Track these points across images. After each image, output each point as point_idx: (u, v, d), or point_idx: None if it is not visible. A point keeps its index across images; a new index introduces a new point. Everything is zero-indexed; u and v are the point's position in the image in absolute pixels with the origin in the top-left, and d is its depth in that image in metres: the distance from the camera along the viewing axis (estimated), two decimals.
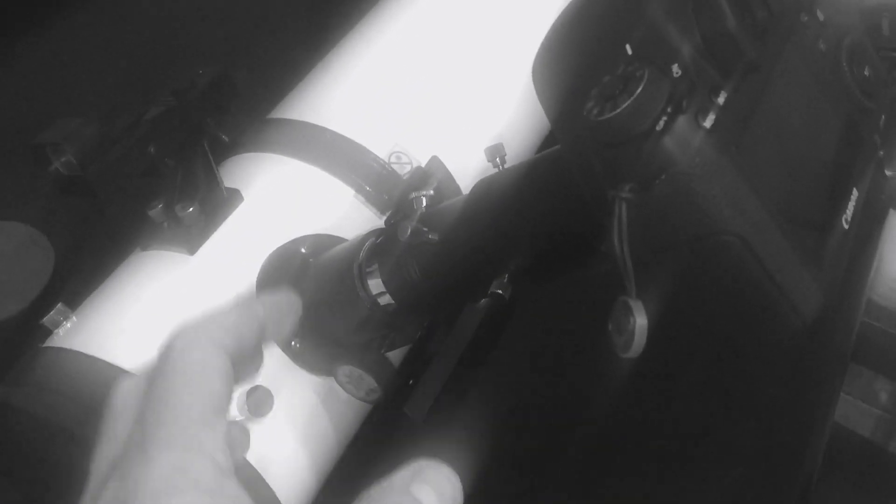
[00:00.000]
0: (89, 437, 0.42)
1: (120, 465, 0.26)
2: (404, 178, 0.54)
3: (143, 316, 0.47)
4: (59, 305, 0.48)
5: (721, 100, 0.27)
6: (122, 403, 0.29)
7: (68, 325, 0.47)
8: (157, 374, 0.27)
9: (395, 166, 0.55)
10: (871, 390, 1.40)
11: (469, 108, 0.57)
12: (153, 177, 0.49)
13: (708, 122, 0.27)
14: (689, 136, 0.26)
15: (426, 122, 0.57)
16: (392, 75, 0.58)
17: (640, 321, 0.27)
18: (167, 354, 0.28)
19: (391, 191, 0.53)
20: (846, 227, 0.30)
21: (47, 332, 0.48)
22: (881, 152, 0.49)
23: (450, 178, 0.55)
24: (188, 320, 0.29)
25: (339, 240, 0.52)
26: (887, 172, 0.56)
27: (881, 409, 1.40)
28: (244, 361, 0.30)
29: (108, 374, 0.44)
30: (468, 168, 0.54)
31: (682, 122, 0.26)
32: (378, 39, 0.60)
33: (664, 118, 0.27)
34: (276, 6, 0.74)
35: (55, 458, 0.44)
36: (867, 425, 1.39)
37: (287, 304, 0.33)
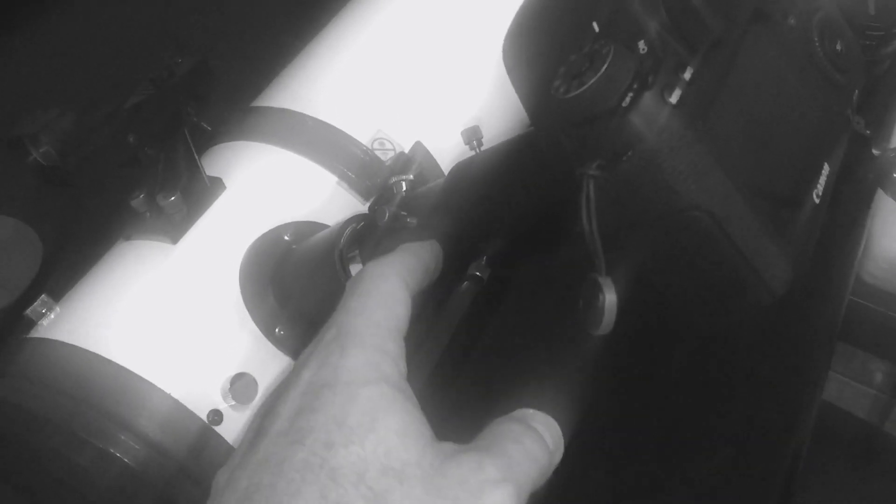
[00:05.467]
0: (72, 426, 0.43)
1: (317, 354, 0.30)
2: (387, 163, 0.54)
3: (126, 305, 0.47)
4: (43, 296, 0.48)
5: (687, 75, 0.27)
6: None
7: (52, 315, 0.47)
8: (353, 293, 0.32)
9: (378, 152, 0.55)
10: (867, 371, 1.40)
11: (450, 91, 0.57)
12: (134, 166, 0.49)
13: (674, 98, 0.27)
14: (655, 111, 0.26)
15: (408, 107, 0.57)
16: (374, 62, 0.58)
17: (610, 298, 0.28)
18: (361, 279, 0.33)
19: (374, 177, 0.53)
20: (817, 201, 0.30)
21: (32, 324, 0.48)
22: (868, 131, 0.49)
23: (433, 161, 0.55)
24: (380, 257, 0.34)
25: (323, 226, 0.52)
26: (874, 151, 0.56)
27: (876, 390, 1.40)
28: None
29: (92, 364, 0.44)
30: (452, 151, 0.54)
31: (648, 98, 0.26)
32: (359, 27, 0.60)
33: (630, 94, 0.27)
34: None
35: (37, 447, 0.44)
36: (863, 406, 1.40)
37: (439, 256, 0.37)
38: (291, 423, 0.28)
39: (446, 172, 0.48)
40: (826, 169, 0.31)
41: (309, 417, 0.28)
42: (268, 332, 0.48)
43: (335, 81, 0.57)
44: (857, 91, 0.35)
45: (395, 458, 0.27)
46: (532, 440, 0.29)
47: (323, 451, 0.27)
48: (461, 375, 0.56)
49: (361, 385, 0.28)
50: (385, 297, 0.32)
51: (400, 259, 0.34)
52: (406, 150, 0.54)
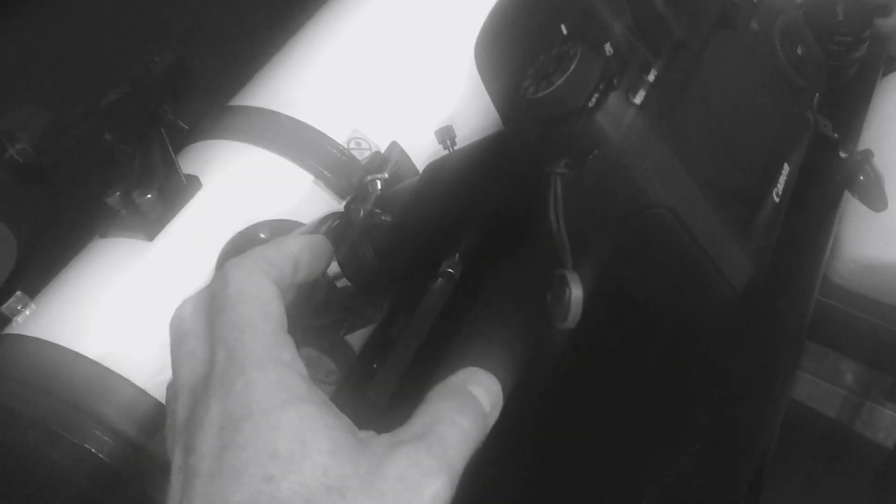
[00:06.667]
0: (47, 422, 0.43)
1: (215, 384, 0.29)
2: (363, 162, 0.54)
3: (102, 302, 0.47)
4: (18, 293, 0.48)
5: (651, 77, 0.28)
6: (187, 325, 0.33)
7: (27, 312, 0.48)
8: (222, 302, 0.31)
9: (354, 152, 0.55)
10: (837, 371, 1.43)
11: (425, 92, 0.58)
12: (110, 164, 0.49)
13: (638, 99, 0.27)
14: (620, 112, 0.27)
15: (384, 107, 0.57)
16: (350, 63, 0.59)
17: (576, 293, 0.28)
18: (226, 286, 0.32)
19: (350, 176, 0.54)
20: (777, 200, 0.31)
21: (7, 321, 0.48)
22: (835, 135, 0.50)
23: (408, 161, 0.55)
24: (239, 257, 0.33)
25: (299, 224, 0.52)
26: (841, 154, 0.57)
27: (847, 390, 1.43)
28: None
29: (68, 360, 0.45)
30: (427, 150, 0.55)
31: (613, 98, 0.27)
32: (337, 28, 0.61)
33: (596, 95, 0.27)
34: None
35: (12, 443, 0.44)
36: (833, 405, 1.43)
37: (318, 247, 0.37)
38: (220, 462, 0.28)
39: (421, 171, 0.48)
40: (786, 168, 0.32)
41: (238, 454, 0.28)
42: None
43: (312, 81, 0.58)
44: (817, 94, 0.36)
45: (333, 476, 0.27)
46: (467, 417, 0.30)
47: (264, 485, 0.27)
48: (436, 371, 0.56)
49: (278, 411, 0.28)
50: (257, 300, 0.31)
51: (257, 254, 0.34)
52: (382, 150, 0.54)
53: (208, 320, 0.32)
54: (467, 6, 0.57)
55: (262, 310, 0.31)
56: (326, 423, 0.28)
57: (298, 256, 0.35)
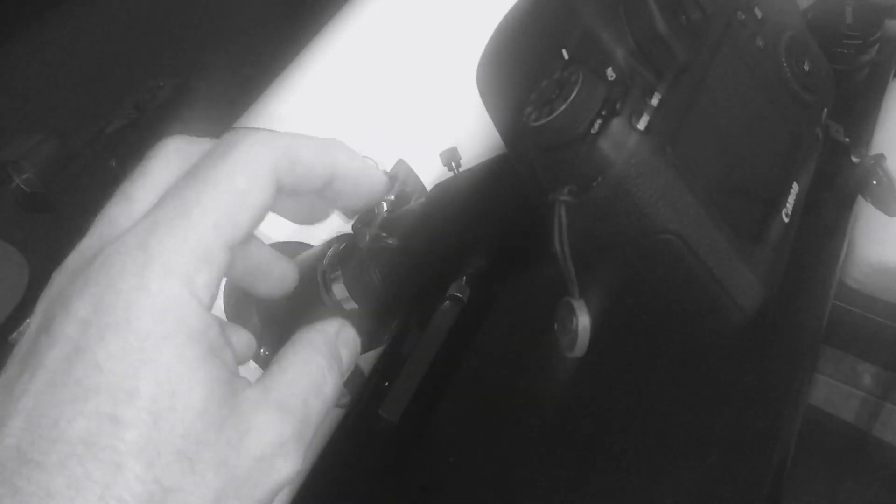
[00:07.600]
0: None
1: (110, 255, 0.24)
2: None
3: None
4: (28, 321, 0.48)
5: (655, 101, 0.28)
6: (163, 162, 0.27)
7: None
8: (204, 165, 0.25)
9: None
10: (855, 374, 1.42)
11: (434, 112, 0.58)
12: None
13: (642, 124, 0.27)
14: (623, 137, 0.27)
15: (391, 127, 0.57)
16: (355, 83, 0.58)
17: (583, 321, 0.28)
18: (226, 151, 0.25)
19: None
20: (786, 220, 0.31)
21: None
22: (847, 139, 0.50)
23: (417, 180, 0.55)
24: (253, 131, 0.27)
25: (306, 246, 0.52)
26: (854, 159, 0.57)
27: (865, 392, 1.41)
28: (292, 199, 0.29)
29: None
30: (433, 173, 0.55)
31: (616, 124, 0.27)
32: (341, 49, 0.61)
33: (599, 121, 0.27)
34: (237, 18, 0.74)
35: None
36: (851, 408, 1.41)
37: (377, 176, 0.33)
38: (70, 366, 0.23)
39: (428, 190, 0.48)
40: (795, 188, 0.32)
41: (91, 374, 0.23)
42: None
43: (317, 101, 0.58)
44: (826, 109, 0.35)
45: (191, 442, 0.23)
46: (331, 386, 0.28)
47: (107, 425, 0.22)
48: (443, 395, 0.56)
49: (157, 342, 0.23)
50: (233, 193, 0.25)
51: (292, 141, 0.27)
52: (388, 169, 0.54)
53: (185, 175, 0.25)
54: (473, 26, 0.57)
55: (227, 210, 0.25)
56: (208, 375, 0.24)
57: (338, 168, 0.30)
